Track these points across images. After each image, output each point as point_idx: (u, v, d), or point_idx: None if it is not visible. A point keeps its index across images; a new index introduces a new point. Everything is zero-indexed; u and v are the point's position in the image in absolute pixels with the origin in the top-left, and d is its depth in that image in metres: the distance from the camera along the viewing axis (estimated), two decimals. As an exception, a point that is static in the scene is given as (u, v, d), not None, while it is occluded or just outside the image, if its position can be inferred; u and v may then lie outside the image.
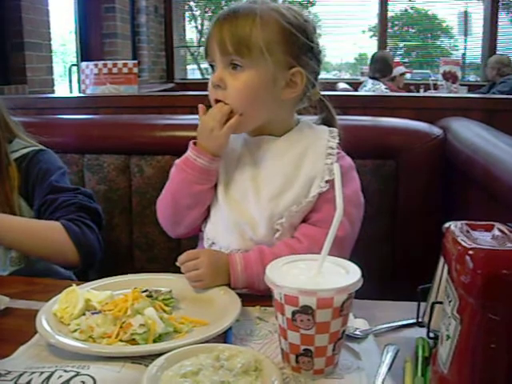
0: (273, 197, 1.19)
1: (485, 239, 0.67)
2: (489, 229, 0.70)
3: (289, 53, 1.18)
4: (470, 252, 0.63)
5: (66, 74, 5.92)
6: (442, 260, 0.85)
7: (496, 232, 0.69)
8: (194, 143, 1.24)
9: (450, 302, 0.69)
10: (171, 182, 1.28)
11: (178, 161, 1.26)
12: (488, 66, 6.38)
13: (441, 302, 0.81)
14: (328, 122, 1.31)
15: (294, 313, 0.80)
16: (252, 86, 1.17)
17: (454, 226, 0.72)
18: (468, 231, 0.69)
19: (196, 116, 1.83)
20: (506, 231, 0.68)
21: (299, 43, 1.18)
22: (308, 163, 1.20)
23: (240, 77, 1.16)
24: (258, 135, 1.26)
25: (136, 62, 3.42)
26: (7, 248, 1.45)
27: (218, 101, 1.19)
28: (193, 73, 9.21)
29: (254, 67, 1.16)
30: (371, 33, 8.88)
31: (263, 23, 1.15)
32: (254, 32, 1.14)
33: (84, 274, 1.54)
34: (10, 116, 1.58)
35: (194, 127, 1.75)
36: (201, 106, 1.23)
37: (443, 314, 0.73)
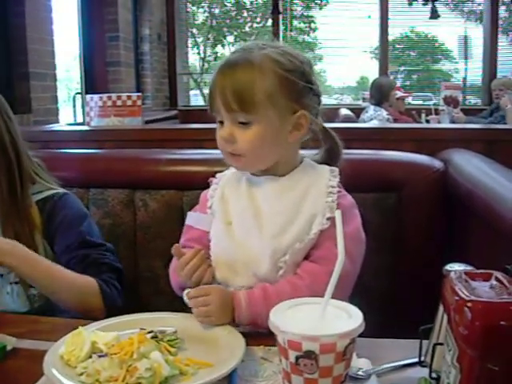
0: (275, 234, 1.21)
1: (483, 289, 0.68)
2: (487, 278, 0.72)
3: (290, 98, 1.20)
4: (469, 304, 0.65)
5: (70, 100, 5.98)
6: (441, 307, 0.86)
7: (494, 281, 0.70)
8: None
9: (449, 351, 0.70)
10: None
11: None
12: (496, 88, 6.32)
13: (442, 344, 0.82)
14: (333, 151, 1.33)
15: (297, 357, 0.81)
16: (261, 137, 1.19)
17: (453, 274, 0.73)
18: (466, 281, 0.71)
19: (199, 151, 1.87)
20: (504, 280, 0.69)
21: (299, 87, 1.21)
22: (309, 202, 1.22)
23: (248, 131, 1.19)
24: (262, 175, 1.28)
25: (140, 94, 3.45)
26: (28, 286, 1.48)
27: (230, 153, 1.23)
28: (196, 99, 9.28)
29: (260, 120, 1.18)
30: (372, 55, 8.93)
31: (262, 76, 1.17)
32: (255, 87, 1.16)
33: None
34: (33, 158, 1.61)
35: (197, 162, 1.80)
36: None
37: (444, 362, 0.74)
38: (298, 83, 1.20)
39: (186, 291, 1.20)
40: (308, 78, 1.23)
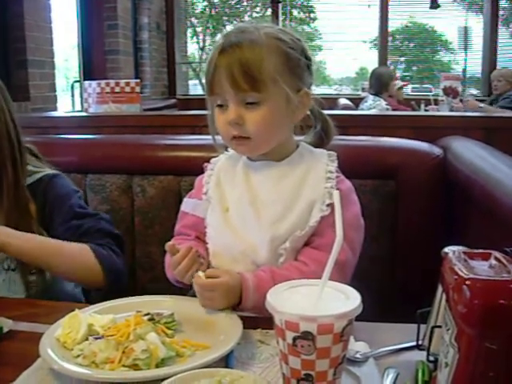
0: (273, 221, 1.20)
1: (482, 268, 0.68)
2: (486, 257, 0.71)
3: (294, 76, 1.20)
4: (467, 282, 0.64)
5: (69, 89, 5.97)
6: (440, 287, 0.85)
7: (493, 261, 0.70)
8: None
9: (448, 330, 0.70)
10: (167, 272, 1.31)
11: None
12: (495, 78, 6.28)
13: (440, 326, 0.82)
14: (325, 131, 1.32)
15: (294, 338, 0.81)
16: (270, 117, 1.18)
17: (451, 253, 0.72)
18: (466, 260, 0.70)
19: (197, 136, 1.86)
20: (503, 260, 0.69)
21: (301, 64, 1.21)
22: (307, 188, 1.21)
23: (258, 110, 1.17)
24: (259, 160, 1.26)
25: (138, 80, 3.43)
26: (26, 273, 1.47)
27: (235, 137, 1.20)
28: (194, 88, 9.26)
29: (269, 100, 1.17)
30: (372, 46, 8.91)
31: (269, 54, 1.15)
32: (264, 65, 1.14)
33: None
34: (26, 144, 1.56)
35: (195, 147, 1.79)
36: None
37: (442, 342, 0.73)
38: (300, 60, 1.20)
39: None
40: (307, 55, 1.23)
